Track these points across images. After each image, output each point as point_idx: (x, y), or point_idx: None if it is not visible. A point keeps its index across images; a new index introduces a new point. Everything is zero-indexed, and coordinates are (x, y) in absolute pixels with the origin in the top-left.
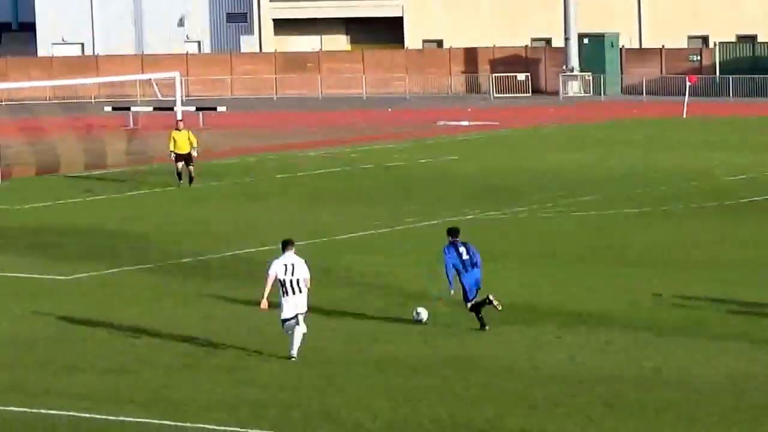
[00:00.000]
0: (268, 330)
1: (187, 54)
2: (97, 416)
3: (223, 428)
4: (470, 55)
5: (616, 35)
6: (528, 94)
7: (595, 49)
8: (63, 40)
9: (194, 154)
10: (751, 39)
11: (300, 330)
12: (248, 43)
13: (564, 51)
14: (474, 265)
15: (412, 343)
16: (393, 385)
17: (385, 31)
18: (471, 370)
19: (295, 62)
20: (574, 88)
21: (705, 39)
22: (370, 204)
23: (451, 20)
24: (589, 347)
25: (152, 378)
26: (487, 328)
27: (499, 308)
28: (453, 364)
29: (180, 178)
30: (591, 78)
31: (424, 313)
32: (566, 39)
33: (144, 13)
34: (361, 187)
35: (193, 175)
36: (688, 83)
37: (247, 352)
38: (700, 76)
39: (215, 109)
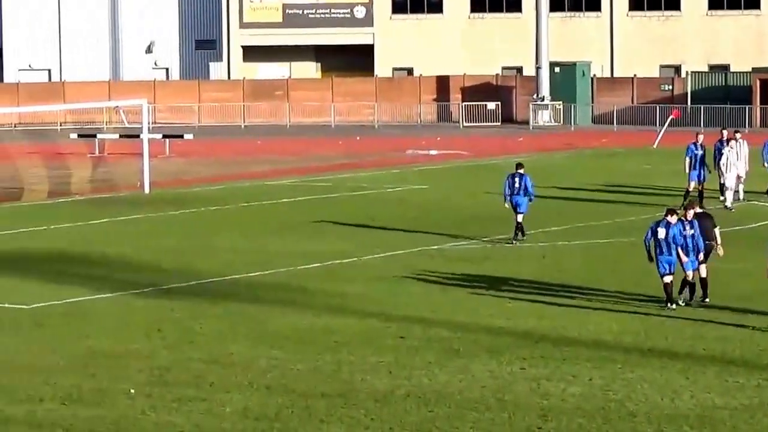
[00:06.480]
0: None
1: (154, 81)
2: None
3: None
4: (441, 83)
5: (588, 64)
6: (498, 123)
7: (566, 77)
8: (30, 66)
9: None
10: (724, 68)
11: None
12: (217, 71)
13: (535, 80)
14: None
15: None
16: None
17: (355, 60)
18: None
19: (263, 90)
20: (544, 117)
21: (677, 68)
22: (341, 234)
23: (422, 48)
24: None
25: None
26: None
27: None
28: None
29: None
30: (561, 107)
31: None
32: (537, 68)
33: (112, 39)
34: (330, 216)
35: None
36: (671, 117)
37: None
38: (673, 105)
39: (182, 136)
